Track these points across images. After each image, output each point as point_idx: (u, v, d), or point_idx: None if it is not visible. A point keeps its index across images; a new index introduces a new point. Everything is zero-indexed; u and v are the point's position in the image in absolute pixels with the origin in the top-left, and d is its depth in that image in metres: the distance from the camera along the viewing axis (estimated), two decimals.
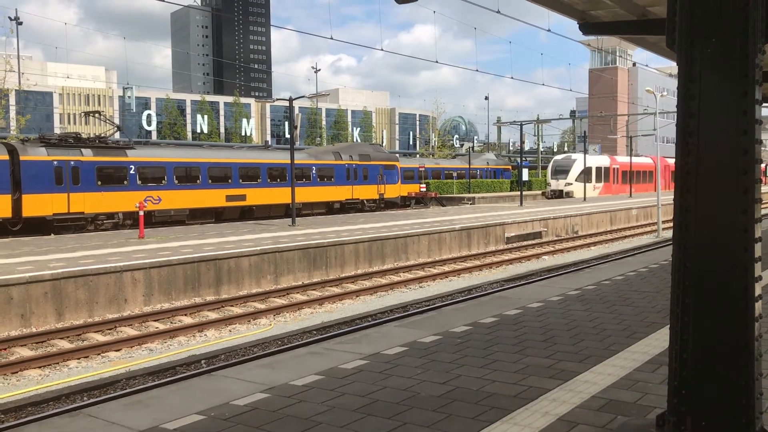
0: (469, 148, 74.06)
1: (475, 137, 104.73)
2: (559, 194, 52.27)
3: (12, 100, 53.86)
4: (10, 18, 52.45)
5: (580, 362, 6.08)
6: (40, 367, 10.67)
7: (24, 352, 11.39)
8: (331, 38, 25.58)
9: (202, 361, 10.66)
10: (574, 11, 8.17)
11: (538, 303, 8.89)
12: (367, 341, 7.11)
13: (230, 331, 13.30)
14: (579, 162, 52.11)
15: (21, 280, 12.76)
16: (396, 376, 5.79)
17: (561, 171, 53.85)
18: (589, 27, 8.57)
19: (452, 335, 7.22)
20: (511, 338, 7.02)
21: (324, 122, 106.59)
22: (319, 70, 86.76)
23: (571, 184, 52.44)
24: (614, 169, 57.91)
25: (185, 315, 14.26)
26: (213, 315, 14.42)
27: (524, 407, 4.93)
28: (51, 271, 13.38)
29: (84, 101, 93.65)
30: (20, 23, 54.16)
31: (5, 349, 11.52)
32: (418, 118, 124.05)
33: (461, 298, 15.04)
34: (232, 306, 15.19)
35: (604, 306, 8.61)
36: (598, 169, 55.95)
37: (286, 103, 25.64)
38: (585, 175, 49.33)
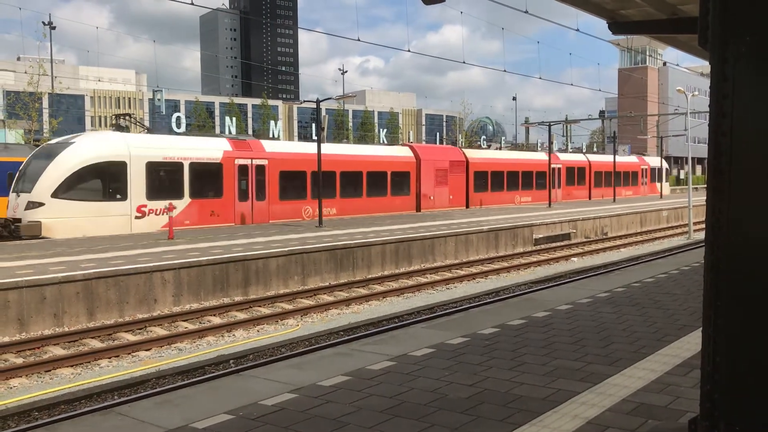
0: (497, 149, 73.64)
1: (503, 138, 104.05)
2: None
3: (45, 103, 54.91)
4: (43, 23, 53.47)
5: (609, 365, 6.01)
6: (72, 366, 10.85)
7: (57, 351, 11.59)
8: (358, 40, 25.59)
9: (231, 361, 10.74)
10: (604, 10, 8.09)
11: (567, 305, 8.81)
12: (394, 342, 7.11)
13: (258, 331, 13.40)
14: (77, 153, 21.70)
15: (54, 280, 12.99)
16: (423, 377, 5.78)
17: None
18: (618, 26, 8.48)
19: (480, 337, 7.19)
20: (540, 340, 6.96)
21: (351, 124, 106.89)
22: (346, 71, 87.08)
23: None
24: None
25: (214, 315, 14.39)
26: (241, 315, 14.53)
27: (553, 410, 4.89)
28: (83, 271, 13.60)
29: (115, 104, 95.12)
30: (53, 28, 55.19)
31: (39, 348, 11.73)
32: (444, 119, 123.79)
33: (489, 300, 14.97)
34: (260, 306, 15.30)
35: (635, 308, 8.51)
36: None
37: (314, 105, 25.76)
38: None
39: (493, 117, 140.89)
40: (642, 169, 54.76)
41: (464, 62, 31.12)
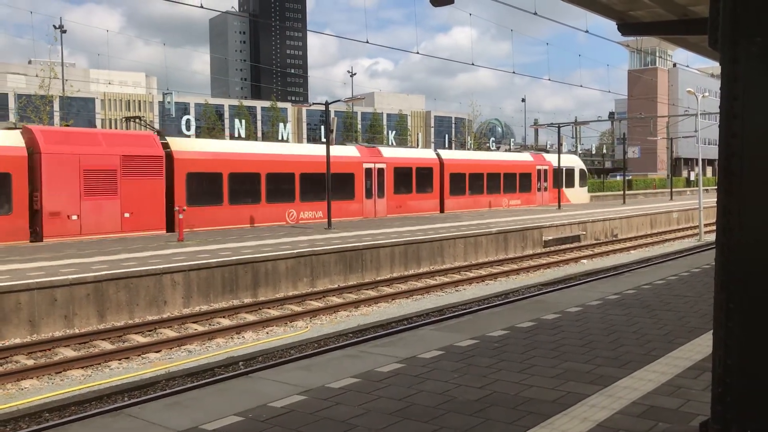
0: (506, 150, 73.54)
1: (512, 139, 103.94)
2: None
3: (56, 106, 55.25)
4: (55, 27, 53.84)
5: (619, 368, 5.98)
6: (82, 368, 10.90)
7: (67, 353, 11.65)
8: (367, 42, 25.58)
9: (240, 363, 10.76)
10: (613, 12, 8.06)
11: (577, 307, 8.78)
12: (403, 344, 7.10)
13: (267, 333, 13.42)
14: None
15: (65, 281, 13.06)
16: (432, 379, 5.77)
17: None
18: (628, 27, 8.44)
19: (489, 339, 7.17)
20: (549, 343, 6.94)
21: (360, 126, 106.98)
22: (355, 74, 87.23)
23: None
24: None
25: (223, 317, 14.43)
26: (250, 317, 14.56)
27: (563, 413, 4.87)
28: (93, 273, 13.66)
29: (125, 107, 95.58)
30: (64, 31, 55.56)
31: (50, 350, 11.80)
32: (453, 121, 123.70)
33: (498, 302, 14.93)
34: (269, 308, 15.32)
35: (645, 311, 8.46)
36: None
37: (323, 107, 25.81)
38: None
39: (502, 119, 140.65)
40: (540, 171, 42.42)
41: (473, 64, 31.13)
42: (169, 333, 13.16)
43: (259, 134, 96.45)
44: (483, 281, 19.42)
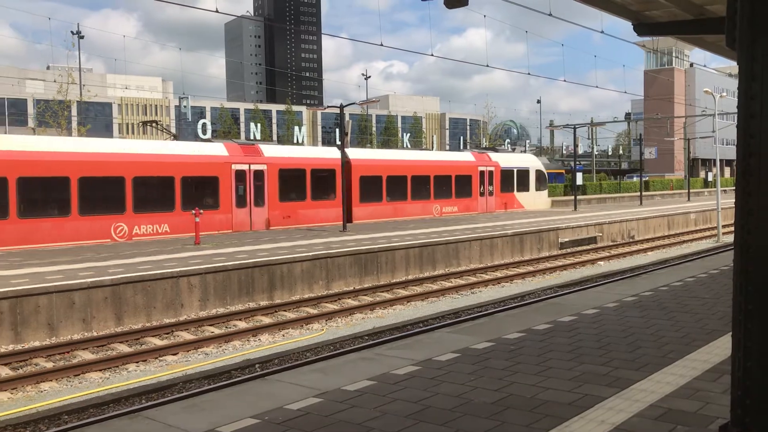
0: (521, 152, 73.32)
1: (527, 141, 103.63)
2: None
3: (74, 111, 55.79)
4: (72, 32, 54.38)
5: (636, 370, 5.93)
6: (101, 370, 10.99)
7: (86, 356, 11.75)
8: (382, 45, 25.63)
9: (257, 366, 10.80)
10: (628, 12, 8.02)
11: (594, 309, 8.72)
12: (418, 347, 7.10)
13: (283, 335, 13.45)
14: None
15: (83, 285, 13.18)
16: (448, 382, 5.76)
17: None
18: (644, 28, 8.39)
19: (505, 342, 7.15)
20: (566, 345, 6.90)
21: (374, 128, 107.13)
22: (370, 76, 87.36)
23: None
24: None
25: (240, 320, 14.49)
26: (267, 320, 14.61)
27: (579, 416, 4.84)
28: (111, 276, 13.78)
29: (142, 111, 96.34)
30: (82, 37, 56.09)
31: (68, 352, 11.91)
32: (468, 123, 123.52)
33: (514, 305, 14.87)
34: (285, 311, 15.36)
35: (662, 313, 8.39)
36: None
37: (337, 110, 25.87)
38: None
39: (518, 120, 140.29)
40: (483, 173, 35.72)
41: (488, 65, 31.20)
42: (186, 336, 13.24)
43: (275, 137, 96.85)
44: (499, 283, 19.36)
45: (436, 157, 34.73)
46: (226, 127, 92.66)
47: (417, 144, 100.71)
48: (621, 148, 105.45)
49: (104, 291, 13.46)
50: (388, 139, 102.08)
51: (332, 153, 28.44)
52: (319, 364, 6.86)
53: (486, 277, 20.11)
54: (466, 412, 4.99)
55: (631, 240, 29.73)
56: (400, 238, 21.21)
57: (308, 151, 28.87)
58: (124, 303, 13.74)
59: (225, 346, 12.64)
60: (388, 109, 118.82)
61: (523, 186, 38.49)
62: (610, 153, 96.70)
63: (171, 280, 14.51)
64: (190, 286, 14.81)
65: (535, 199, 39.31)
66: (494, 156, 37.47)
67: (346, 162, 26.98)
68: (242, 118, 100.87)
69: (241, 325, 14.17)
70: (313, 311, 15.41)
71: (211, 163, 23.81)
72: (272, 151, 26.56)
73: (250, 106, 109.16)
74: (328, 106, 31.67)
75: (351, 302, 16.45)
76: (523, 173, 38.55)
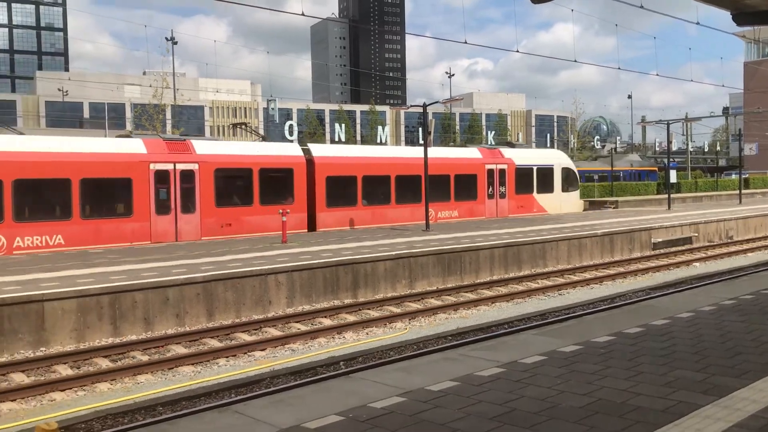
0: (612, 149, 71.09)
1: (618, 138, 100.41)
2: None
3: (168, 114, 58.15)
4: (166, 39, 56.73)
5: (736, 377, 5.63)
6: (193, 364, 11.39)
7: (179, 350, 12.21)
8: (465, 42, 25.41)
9: (341, 363, 10.92)
10: (726, 1, 7.62)
11: (688, 313, 8.34)
12: (503, 349, 6.99)
13: (367, 333, 13.56)
14: None
15: (176, 282, 13.71)
16: (534, 385, 5.64)
17: None
18: (743, 17, 7.96)
19: (594, 345, 6.93)
20: (658, 350, 6.62)
21: (458, 126, 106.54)
22: (453, 74, 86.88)
23: None
24: None
25: (325, 317, 14.71)
26: (351, 318, 14.76)
27: (673, 423, 4.63)
28: (202, 273, 14.27)
29: (232, 113, 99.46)
30: (175, 43, 58.44)
31: (162, 346, 12.42)
32: (555, 120, 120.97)
33: (603, 307, 14.43)
34: (368, 309, 15.48)
35: (765, 317, 7.93)
36: None
37: (421, 110, 25.85)
38: None
39: (608, 116, 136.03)
40: (491, 171, 30.69)
41: (576, 61, 30.16)
42: (273, 332, 13.55)
43: (359, 137, 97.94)
44: (587, 285, 18.84)
45: (430, 153, 27.55)
46: (311, 128, 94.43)
47: (502, 142, 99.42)
48: (718, 144, 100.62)
49: (196, 287, 13.95)
50: (472, 138, 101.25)
51: (289, 150, 24.73)
52: (402, 363, 6.87)
53: (574, 278, 19.61)
54: (553, 416, 4.87)
55: (729, 240, 28.29)
56: (484, 238, 20.98)
57: (257, 148, 24.30)
58: (215, 299, 14.20)
59: (311, 342, 12.86)
60: (472, 107, 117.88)
61: (545, 186, 33.16)
62: (706, 149, 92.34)
63: (259, 278, 14.89)
64: (277, 284, 15.16)
65: (561, 202, 33.66)
66: (508, 152, 32.13)
67: (308, 160, 24.38)
68: (327, 119, 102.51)
69: (326, 322, 14.38)
70: (396, 310, 15.46)
71: (120, 162, 20.22)
72: (207, 147, 22.51)
73: (335, 107, 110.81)
74: (411, 106, 31.34)
75: (434, 302, 16.40)
76: (545, 172, 33.16)
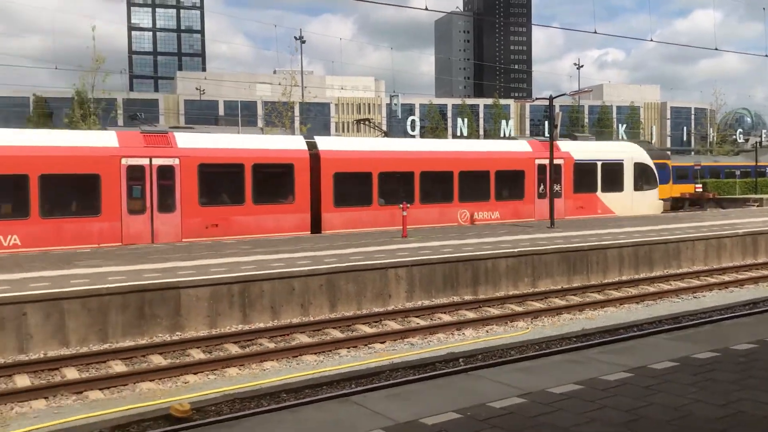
0: (756, 143, 66.11)
1: (764, 131, 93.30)
2: None
3: (296, 112, 60.16)
4: (295, 38, 58.69)
5: None
6: (316, 354, 11.71)
7: (303, 339, 12.59)
8: (595, 32, 24.48)
9: (460, 360, 10.83)
10: None
11: None
12: (631, 353, 6.65)
13: (487, 331, 13.37)
14: None
15: (301, 273, 14.15)
16: (665, 392, 5.31)
17: None
18: None
19: (733, 353, 6.44)
20: None
21: (586, 120, 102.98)
22: (582, 66, 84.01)
23: None
24: None
25: (444, 313, 14.66)
26: (470, 314, 14.62)
27: None
28: (326, 265, 14.64)
29: (356, 110, 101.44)
30: (304, 42, 60.33)
31: (288, 335, 12.85)
32: (693, 112, 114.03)
33: (745, 312, 13.43)
34: (489, 307, 15.27)
35: None
36: None
37: (546, 102, 25.16)
38: None
39: (752, 108, 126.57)
40: (542, 167, 26.79)
41: (717, 49, 28.11)
42: (393, 325, 13.67)
43: (481, 132, 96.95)
44: (726, 288, 17.61)
45: (465, 147, 26.90)
46: (433, 123, 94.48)
47: (635, 135, 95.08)
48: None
49: (320, 279, 14.33)
50: (601, 131, 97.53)
51: (290, 143, 22.47)
52: (523, 363, 6.70)
53: (711, 280, 18.40)
54: (685, 426, 4.56)
55: None
56: (613, 237, 20.13)
57: (253, 141, 22.22)
58: (338, 291, 14.52)
59: (430, 337, 12.85)
60: (602, 99, 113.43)
61: (613, 184, 28.95)
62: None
63: (380, 271, 15.07)
64: (397, 278, 15.28)
65: (633, 202, 29.22)
66: (566, 145, 28.36)
67: (313, 155, 22.36)
68: (449, 114, 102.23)
69: (446, 318, 14.33)
70: (518, 309, 15.15)
71: (86, 156, 18.83)
72: (191, 140, 20.88)
73: (458, 101, 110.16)
74: (537, 98, 30.55)
75: (558, 301, 15.93)
76: (613, 167, 28.99)
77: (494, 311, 14.90)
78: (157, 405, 8.75)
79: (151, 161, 19.62)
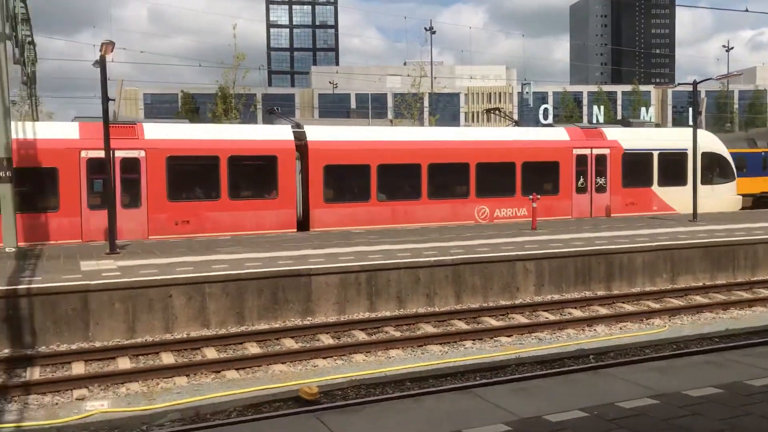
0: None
1: None
2: None
3: (426, 103, 60.40)
4: (425, 29, 58.82)
5: None
6: (440, 344, 11.71)
7: (428, 329, 12.64)
8: (746, 10, 22.67)
9: (590, 357, 10.47)
10: None
11: None
12: None
13: (620, 328, 12.81)
14: None
15: (427, 263, 14.20)
16: None
17: None
18: None
19: None
20: None
21: (736, 106, 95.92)
22: (731, 48, 78.17)
23: None
24: None
25: (575, 308, 14.21)
26: (603, 310, 14.07)
27: None
28: (452, 257, 14.59)
29: (486, 99, 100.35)
30: (434, 32, 60.35)
31: (413, 324, 12.95)
32: None
33: None
34: (623, 303, 14.63)
35: None
36: None
37: (690, 88, 23.62)
38: None
39: None
40: (582, 158, 23.77)
41: None
42: (520, 319, 13.42)
43: (619, 119, 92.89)
44: None
45: (485, 135, 23.41)
46: (568, 111, 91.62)
47: None
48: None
49: (446, 270, 14.31)
50: (753, 118, 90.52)
51: (274, 133, 20.33)
52: (658, 362, 6.37)
53: None
54: None
55: None
56: (765, 231, 18.63)
57: (230, 132, 20.54)
58: (463, 282, 14.44)
59: (558, 333, 12.50)
60: (755, 83, 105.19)
61: (674, 177, 25.01)
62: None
63: (507, 264, 14.83)
64: (525, 271, 14.97)
65: (700, 198, 23.29)
66: (613, 133, 24.79)
67: (301, 145, 20.55)
68: (585, 101, 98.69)
69: (576, 313, 13.88)
70: (654, 305, 14.40)
71: (42, 149, 18.01)
72: (159, 131, 19.48)
73: (594, 88, 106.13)
74: (680, 84, 28.65)
75: (699, 299, 14.98)
76: (674, 158, 25.00)
77: (629, 307, 14.26)
78: (288, 387, 9.11)
79: (113, 154, 18.12)
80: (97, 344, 11.55)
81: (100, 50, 15.90)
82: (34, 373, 10.24)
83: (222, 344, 11.66)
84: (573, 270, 15.38)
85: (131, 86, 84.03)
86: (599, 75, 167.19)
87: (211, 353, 11.21)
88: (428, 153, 21.70)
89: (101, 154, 17.07)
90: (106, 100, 15.89)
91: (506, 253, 14.98)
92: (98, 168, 18.01)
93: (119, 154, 18.49)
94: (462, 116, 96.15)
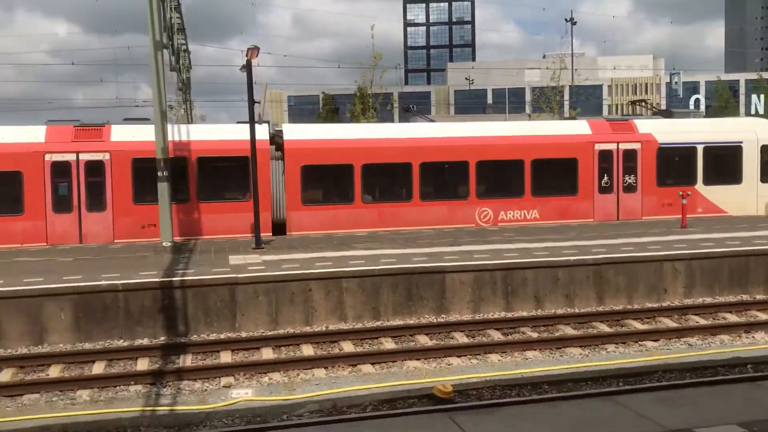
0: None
1: None
2: None
3: (566, 95, 58.54)
4: (565, 20, 57.01)
5: None
6: (581, 347, 11.27)
7: (567, 330, 12.20)
8: None
9: (748, 366, 9.66)
10: None
11: None
12: None
13: None
14: None
15: (567, 263, 13.73)
16: None
17: None
18: None
19: None
20: None
21: None
22: None
23: None
24: None
25: (729, 312, 13.19)
26: (763, 316, 12.97)
27: None
28: (593, 256, 14.01)
29: (631, 91, 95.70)
30: (575, 23, 58.28)
31: (551, 326, 12.56)
32: None
33: None
34: None
35: None
36: None
37: None
38: None
39: None
40: (605, 153, 21.32)
41: None
42: (668, 322, 12.66)
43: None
44: None
45: (487, 131, 21.41)
46: (722, 101, 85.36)
47: None
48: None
49: (586, 270, 13.77)
50: None
51: (244, 133, 18.22)
52: None
53: None
54: None
55: None
56: None
57: (201, 132, 19.86)
58: (605, 283, 13.83)
59: (711, 339, 11.66)
60: None
61: (724, 174, 22.09)
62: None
63: (654, 264, 14.04)
64: (674, 271, 14.10)
65: (758, 198, 21.95)
66: (647, 125, 22.12)
67: (277, 145, 19.70)
68: (742, 90, 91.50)
69: (732, 318, 12.88)
70: None
71: (5, 153, 17.94)
72: (125, 133, 18.97)
73: (753, 75, 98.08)
74: None
75: None
76: (724, 152, 22.12)
77: None
78: (422, 384, 9.12)
79: (78, 156, 18.34)
80: (243, 334, 12.18)
81: (246, 55, 16.75)
82: (187, 360, 10.96)
83: (358, 338, 11.89)
84: (728, 271, 14.39)
85: (276, 89, 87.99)
86: (759, 61, 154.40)
87: (348, 347, 11.46)
88: (420, 151, 20.31)
89: (66, 157, 18.09)
90: (252, 102, 16.75)
91: (653, 253, 14.19)
92: (63, 171, 18.24)
93: (84, 156, 18.41)
94: (605, 109, 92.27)
